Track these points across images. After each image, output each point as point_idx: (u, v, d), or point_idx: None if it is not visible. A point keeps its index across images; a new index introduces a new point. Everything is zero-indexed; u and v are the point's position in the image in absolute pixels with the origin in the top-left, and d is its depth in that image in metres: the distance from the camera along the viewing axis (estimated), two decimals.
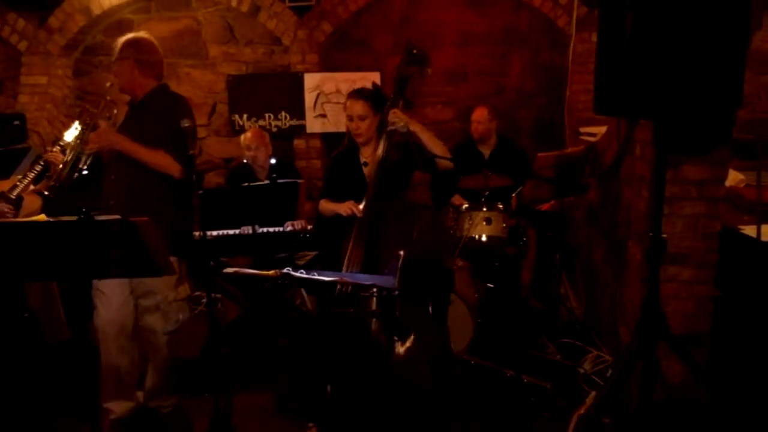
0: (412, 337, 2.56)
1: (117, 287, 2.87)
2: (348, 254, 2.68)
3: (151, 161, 2.82)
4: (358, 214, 2.75)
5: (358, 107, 2.95)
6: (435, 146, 2.94)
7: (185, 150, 2.68)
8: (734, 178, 3.80)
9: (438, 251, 2.89)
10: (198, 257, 3.17)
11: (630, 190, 3.20)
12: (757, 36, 4.73)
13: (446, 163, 2.97)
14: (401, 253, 2.43)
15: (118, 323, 2.91)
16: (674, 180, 2.79)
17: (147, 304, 2.96)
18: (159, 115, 2.90)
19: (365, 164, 3.02)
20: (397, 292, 2.20)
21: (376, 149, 2.91)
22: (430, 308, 2.81)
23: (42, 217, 2.46)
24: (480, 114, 4.65)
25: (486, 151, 4.68)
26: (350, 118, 2.99)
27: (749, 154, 3.87)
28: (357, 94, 3.01)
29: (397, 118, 2.81)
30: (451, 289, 3.44)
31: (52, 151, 3.07)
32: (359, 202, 2.81)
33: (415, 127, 2.91)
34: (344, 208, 2.83)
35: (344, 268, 2.66)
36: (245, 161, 4.33)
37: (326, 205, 3.02)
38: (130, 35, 2.98)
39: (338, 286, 2.55)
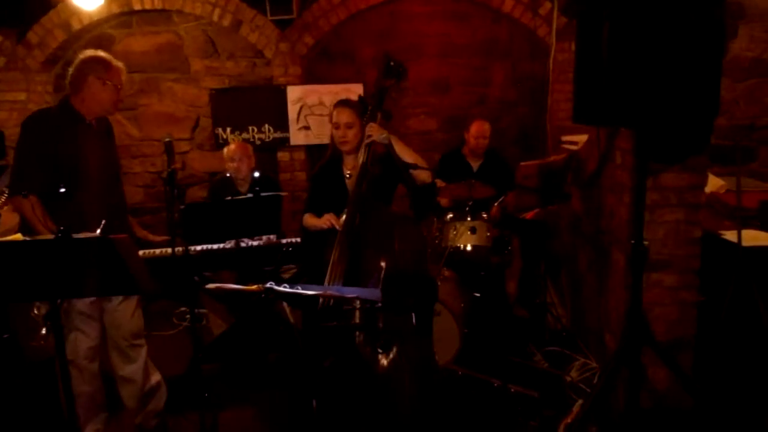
0: (395, 348, 2.55)
1: (95, 306, 2.85)
2: (330, 267, 2.66)
3: None
4: (338, 227, 2.74)
5: (345, 115, 2.96)
6: (410, 158, 2.92)
7: None
8: (715, 183, 3.84)
9: (420, 261, 2.88)
10: (182, 272, 3.14)
11: (612, 198, 3.22)
12: (735, 44, 4.81)
13: (424, 176, 2.96)
14: (383, 264, 2.41)
15: (100, 344, 2.92)
16: (654, 187, 2.81)
17: (130, 308, 2.94)
18: (111, 133, 3.01)
19: (349, 176, 3.02)
20: (379, 304, 2.18)
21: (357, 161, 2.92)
22: (414, 319, 2.79)
23: (19, 236, 2.42)
24: (483, 129, 4.60)
25: (475, 164, 4.67)
26: (337, 126, 2.98)
27: (729, 160, 3.93)
28: (343, 102, 3.04)
29: (373, 131, 2.83)
30: (436, 299, 3.42)
31: None
32: (341, 214, 2.80)
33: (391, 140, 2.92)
34: (323, 222, 2.84)
35: (327, 280, 2.64)
36: (228, 174, 4.31)
37: (310, 221, 3.02)
38: (101, 55, 2.82)
39: (321, 300, 2.53)
